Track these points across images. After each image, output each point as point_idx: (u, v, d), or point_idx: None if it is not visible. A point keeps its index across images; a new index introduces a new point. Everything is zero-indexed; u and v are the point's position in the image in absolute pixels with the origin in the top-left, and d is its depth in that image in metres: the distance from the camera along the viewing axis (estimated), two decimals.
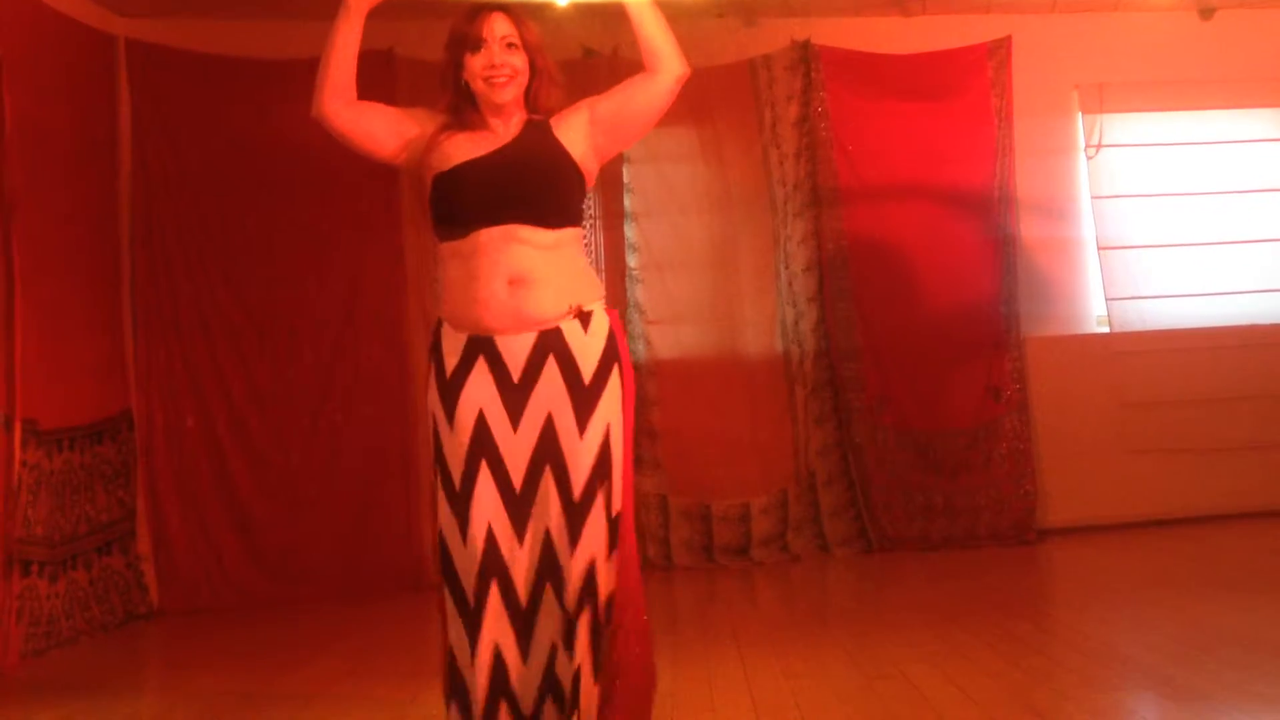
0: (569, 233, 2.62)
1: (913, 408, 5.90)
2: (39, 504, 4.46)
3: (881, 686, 3.04)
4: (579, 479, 2.51)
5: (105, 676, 4.03)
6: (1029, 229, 6.10)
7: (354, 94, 2.60)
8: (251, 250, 5.58)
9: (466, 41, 2.59)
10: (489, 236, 2.52)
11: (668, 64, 2.65)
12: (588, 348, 2.57)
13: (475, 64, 2.59)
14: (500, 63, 2.58)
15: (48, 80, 4.84)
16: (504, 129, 2.62)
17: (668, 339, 5.84)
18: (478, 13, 2.61)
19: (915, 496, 5.85)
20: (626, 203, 5.84)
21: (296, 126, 5.63)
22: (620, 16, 6.51)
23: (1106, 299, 6.10)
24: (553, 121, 2.67)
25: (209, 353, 5.48)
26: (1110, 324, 6.12)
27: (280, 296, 5.58)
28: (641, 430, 5.83)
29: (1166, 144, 6.22)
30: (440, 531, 2.55)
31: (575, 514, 2.50)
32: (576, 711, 2.44)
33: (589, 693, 2.44)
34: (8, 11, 4.51)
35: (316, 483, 5.54)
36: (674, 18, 6.78)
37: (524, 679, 2.48)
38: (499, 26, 2.59)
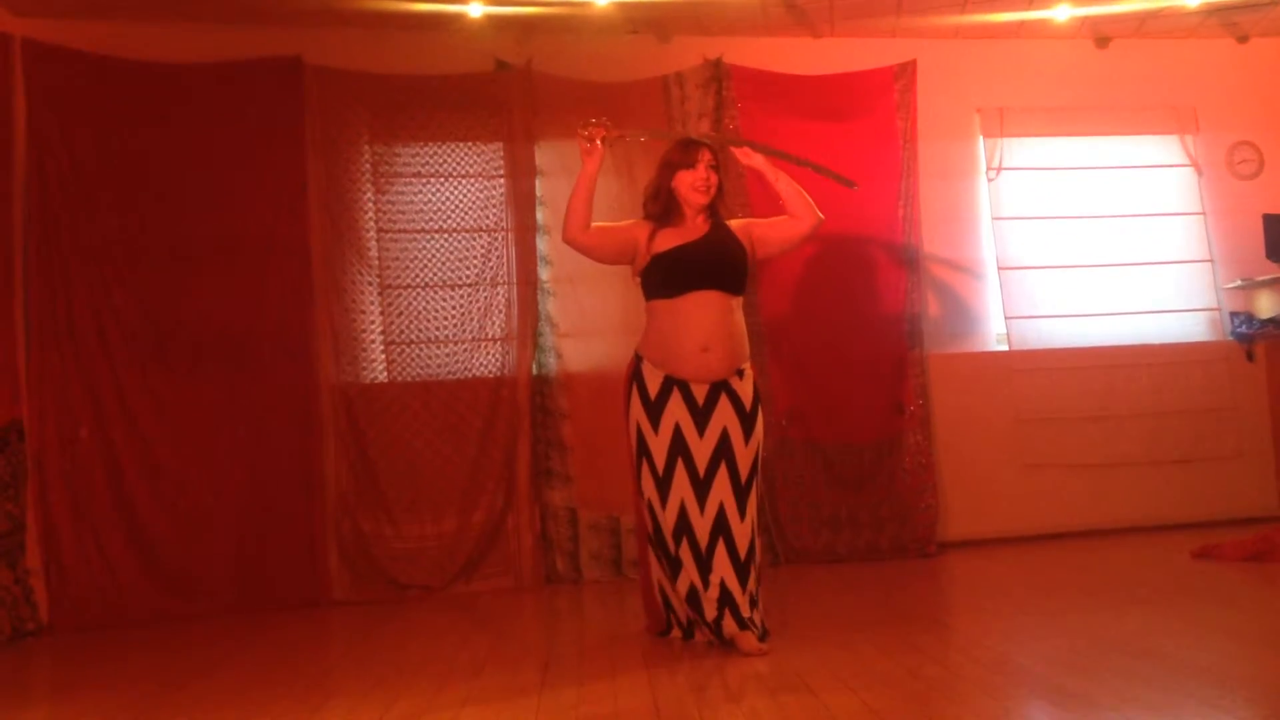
0: (740, 299, 3.90)
1: (819, 422, 5.99)
2: None
3: (785, 698, 3.08)
4: (744, 470, 3.81)
5: None
6: (933, 248, 6.24)
7: (590, 222, 3.88)
8: (151, 256, 5.44)
9: (684, 163, 3.94)
10: (697, 298, 3.80)
11: (806, 218, 4.00)
12: (745, 390, 3.88)
13: (690, 178, 3.92)
14: (707, 176, 3.92)
15: None
16: (697, 225, 3.95)
17: (579, 352, 5.84)
18: (693, 145, 3.98)
19: (822, 510, 5.93)
20: (539, 215, 5.82)
21: (196, 131, 5.56)
22: (532, 29, 6.51)
23: (1005, 318, 6.26)
24: (728, 223, 4.00)
25: (106, 361, 5.33)
26: (1009, 342, 6.28)
27: (181, 305, 5.45)
28: (551, 443, 5.81)
29: (1063, 168, 6.43)
30: (648, 501, 3.85)
31: (741, 493, 3.79)
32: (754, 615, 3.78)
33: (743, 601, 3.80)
34: None
35: (216, 496, 5.42)
36: (589, 33, 6.83)
37: (708, 598, 3.75)
38: (705, 155, 3.95)
